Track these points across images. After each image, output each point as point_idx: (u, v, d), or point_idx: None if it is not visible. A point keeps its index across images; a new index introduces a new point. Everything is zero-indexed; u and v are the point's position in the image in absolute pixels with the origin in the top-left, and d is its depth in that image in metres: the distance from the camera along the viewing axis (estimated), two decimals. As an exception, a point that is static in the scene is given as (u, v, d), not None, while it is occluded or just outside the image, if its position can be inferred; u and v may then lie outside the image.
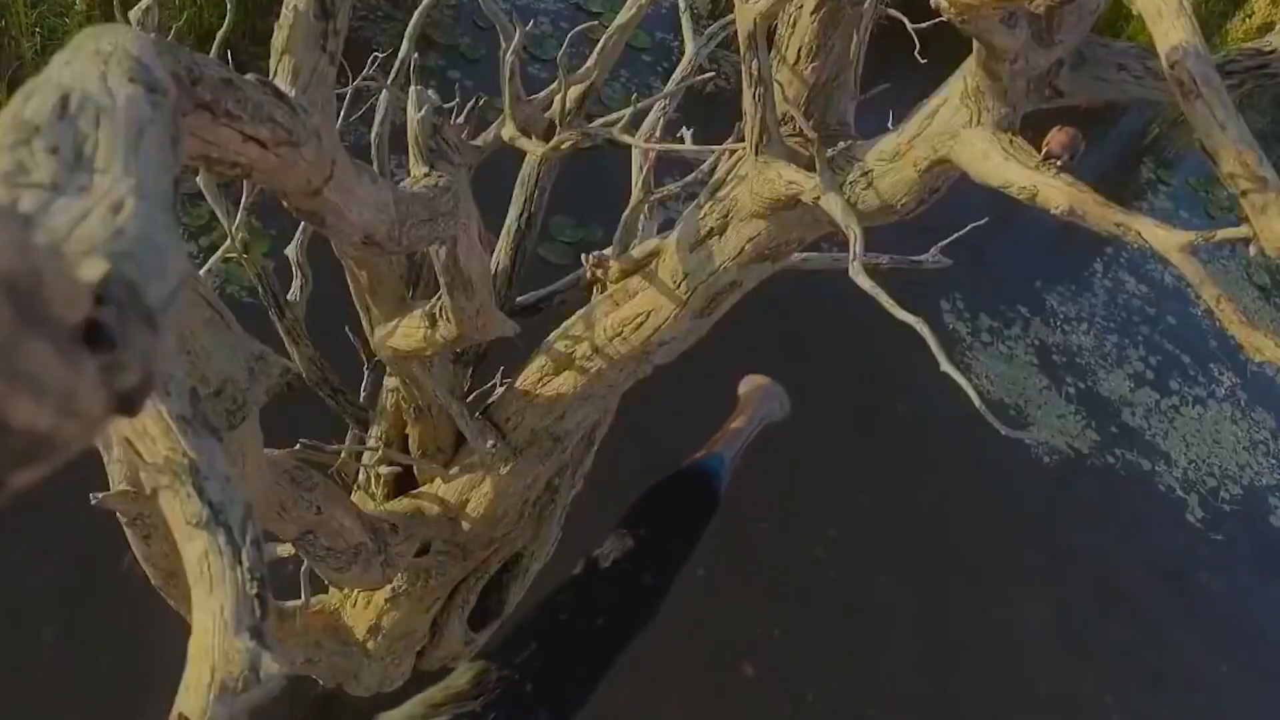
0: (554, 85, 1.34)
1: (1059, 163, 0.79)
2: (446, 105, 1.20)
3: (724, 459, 1.65)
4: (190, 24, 2.82)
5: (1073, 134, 0.78)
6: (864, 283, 0.85)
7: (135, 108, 0.38)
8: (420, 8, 1.37)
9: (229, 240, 1.46)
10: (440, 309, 1.24)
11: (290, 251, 1.57)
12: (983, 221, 1.55)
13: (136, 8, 1.08)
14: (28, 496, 0.27)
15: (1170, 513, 3.15)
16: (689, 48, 1.49)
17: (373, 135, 1.25)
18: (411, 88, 1.04)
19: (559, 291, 1.65)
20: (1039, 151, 0.83)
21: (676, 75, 1.51)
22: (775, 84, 1.08)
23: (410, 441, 1.62)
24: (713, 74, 1.93)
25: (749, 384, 1.72)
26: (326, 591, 1.80)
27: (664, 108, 1.52)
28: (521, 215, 1.60)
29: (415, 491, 1.62)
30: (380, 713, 1.30)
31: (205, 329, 0.89)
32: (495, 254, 1.61)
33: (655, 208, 1.48)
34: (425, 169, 1.02)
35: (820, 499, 2.71)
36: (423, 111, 1.02)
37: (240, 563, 0.56)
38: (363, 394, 1.76)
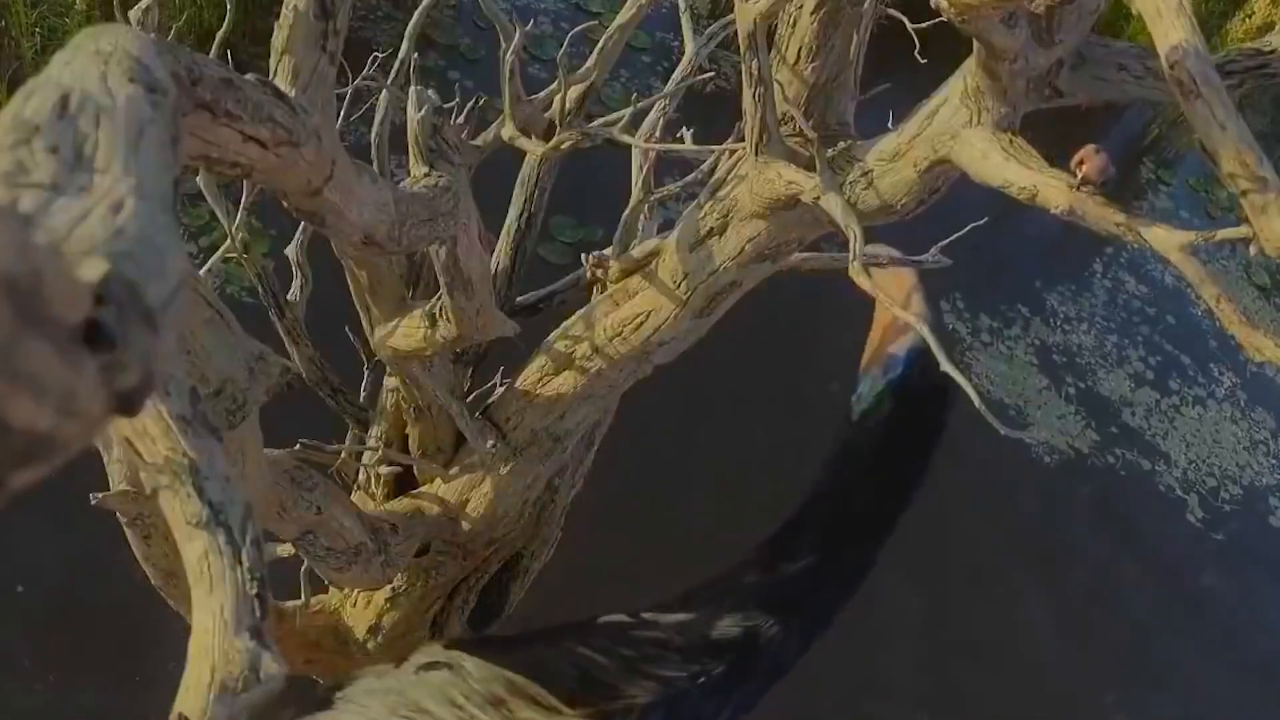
0: (554, 85, 1.34)
1: (1094, 189, 0.78)
2: (446, 105, 1.20)
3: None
4: (190, 24, 2.82)
5: (1107, 159, 0.77)
6: (864, 283, 0.85)
7: (135, 108, 0.38)
8: (420, 8, 1.37)
9: (229, 240, 1.46)
10: (440, 309, 1.24)
11: (290, 251, 1.57)
12: (983, 221, 1.55)
13: (136, 8, 1.08)
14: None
15: (1170, 513, 3.15)
16: (689, 48, 1.49)
17: (373, 135, 1.25)
18: (411, 88, 1.04)
19: (559, 291, 1.65)
20: (1045, 158, 0.83)
21: (676, 75, 1.51)
22: (775, 84, 1.08)
23: (410, 441, 1.62)
24: (713, 74, 1.93)
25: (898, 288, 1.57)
26: (326, 591, 1.80)
27: (664, 108, 1.51)
28: (521, 215, 1.60)
29: (415, 491, 1.62)
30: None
31: (205, 329, 0.89)
32: (495, 254, 1.61)
33: (655, 208, 1.48)
34: (425, 169, 1.02)
35: (820, 499, 2.70)
36: (423, 111, 1.02)
37: (240, 563, 0.56)
38: (363, 394, 1.76)
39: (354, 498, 1.67)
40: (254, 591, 0.55)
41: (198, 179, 1.42)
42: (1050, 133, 1.04)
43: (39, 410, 0.24)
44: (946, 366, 0.82)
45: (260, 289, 1.52)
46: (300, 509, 1.21)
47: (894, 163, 1.00)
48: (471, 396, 1.57)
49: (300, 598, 1.71)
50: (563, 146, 1.26)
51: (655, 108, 1.52)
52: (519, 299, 1.65)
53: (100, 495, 0.99)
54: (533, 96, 1.39)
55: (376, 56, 1.57)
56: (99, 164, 0.33)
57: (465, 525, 1.59)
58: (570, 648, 1.37)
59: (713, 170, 1.35)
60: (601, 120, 1.36)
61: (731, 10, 0.98)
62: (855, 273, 0.85)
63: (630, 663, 1.35)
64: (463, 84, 3.10)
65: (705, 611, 1.42)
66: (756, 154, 1.05)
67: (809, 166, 1.01)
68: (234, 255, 1.50)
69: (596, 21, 3.29)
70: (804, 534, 1.49)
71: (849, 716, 2.44)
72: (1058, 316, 3.56)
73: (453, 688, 1.30)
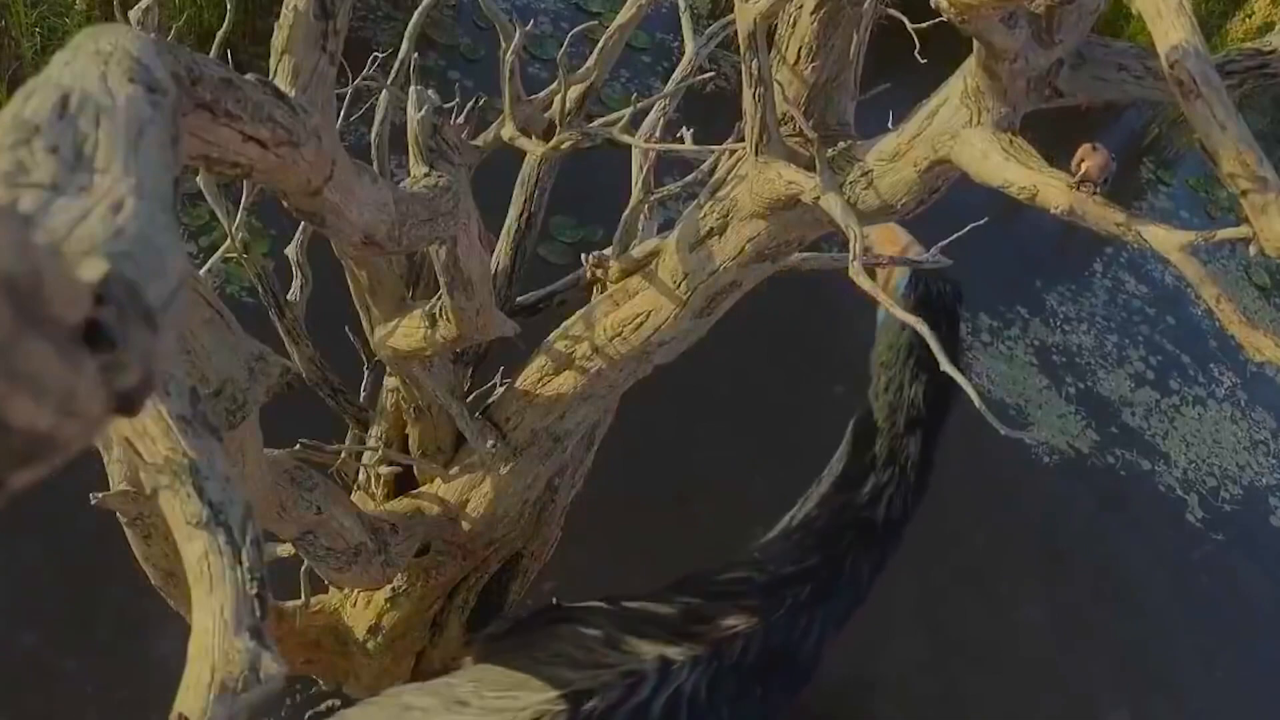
0: (554, 85, 1.34)
1: (1095, 188, 0.77)
2: (446, 105, 1.20)
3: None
4: (190, 24, 2.82)
5: (1107, 156, 0.77)
6: (864, 283, 0.85)
7: (135, 108, 0.38)
8: (420, 8, 1.37)
9: (229, 240, 1.46)
10: (440, 309, 1.24)
11: (290, 251, 1.57)
12: (983, 221, 1.55)
13: (136, 8, 1.08)
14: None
15: (1170, 513, 3.15)
16: (689, 48, 1.49)
17: (373, 135, 1.25)
18: (411, 88, 1.04)
19: (559, 291, 1.65)
20: (1045, 158, 0.83)
21: (676, 75, 1.51)
22: (775, 84, 1.08)
23: (410, 441, 1.62)
24: (713, 74, 1.93)
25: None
26: (326, 591, 1.80)
27: (664, 108, 1.51)
28: (521, 215, 1.60)
29: (415, 491, 1.62)
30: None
31: (205, 329, 0.89)
32: (495, 254, 1.61)
33: (655, 208, 1.48)
34: (425, 169, 1.02)
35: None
36: (423, 111, 1.02)
37: (240, 563, 0.56)
38: (363, 394, 1.76)
39: (354, 498, 1.67)
40: (254, 591, 0.55)
41: (198, 179, 1.42)
42: (1050, 133, 1.04)
43: (39, 410, 0.24)
44: (946, 367, 0.82)
45: (260, 289, 1.52)
46: (300, 509, 1.21)
47: (894, 163, 1.00)
48: (471, 396, 1.57)
49: (300, 598, 1.71)
50: (563, 146, 1.26)
51: (655, 108, 1.52)
52: (519, 299, 1.65)
53: (100, 495, 0.99)
54: (533, 96, 1.39)
55: (376, 56, 1.57)
56: (99, 164, 0.33)
57: (465, 525, 1.59)
58: (669, 596, 1.59)
59: (713, 170, 1.35)
60: (601, 120, 1.36)
61: (731, 10, 0.98)
62: (855, 273, 0.85)
63: (724, 600, 1.56)
64: (463, 84, 3.10)
65: (781, 549, 1.65)
66: (756, 154, 1.05)
67: (809, 166, 1.01)
68: (234, 255, 1.50)
69: (596, 21, 3.29)
70: (862, 459, 1.67)
71: (849, 716, 2.44)
72: (1058, 316, 3.56)
73: (581, 635, 1.51)
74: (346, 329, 1.58)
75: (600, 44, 1.45)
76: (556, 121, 1.29)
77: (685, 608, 1.56)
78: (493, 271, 1.54)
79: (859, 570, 1.64)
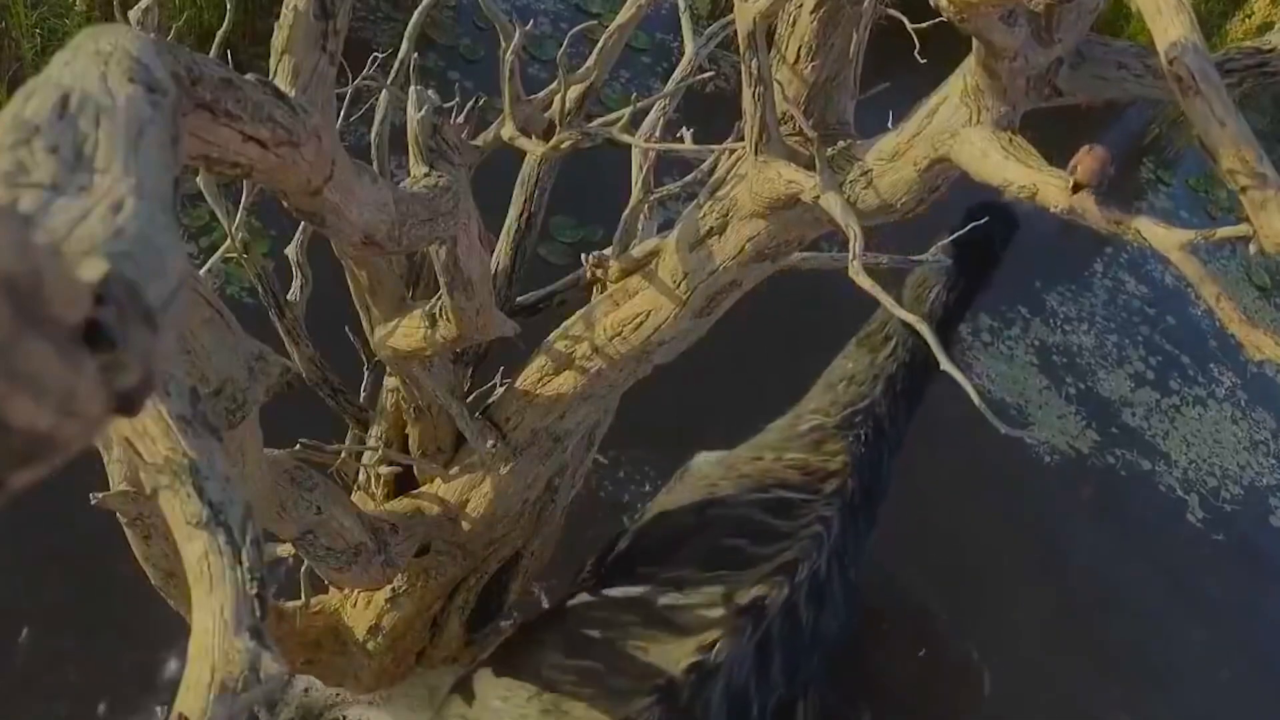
0: (554, 85, 1.34)
1: (1088, 190, 0.76)
2: (446, 105, 1.20)
3: None
4: (190, 24, 2.82)
5: (1106, 156, 0.76)
6: (864, 282, 0.85)
7: (135, 108, 0.38)
8: (420, 8, 1.37)
9: (229, 240, 1.46)
10: (440, 309, 1.24)
11: (290, 251, 1.57)
12: (983, 221, 1.55)
13: (136, 8, 1.08)
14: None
15: (1170, 513, 3.15)
16: (689, 48, 1.49)
17: (373, 135, 1.25)
18: (411, 88, 1.04)
19: (559, 291, 1.65)
20: (1044, 157, 0.83)
21: (676, 75, 1.51)
22: (775, 83, 1.08)
23: (410, 441, 1.62)
24: (713, 74, 1.93)
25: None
26: (326, 592, 1.80)
27: (664, 108, 1.51)
28: (521, 215, 1.60)
29: (415, 491, 1.62)
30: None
31: (205, 329, 0.89)
32: (495, 254, 1.61)
33: (655, 208, 1.48)
34: (425, 169, 1.02)
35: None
36: (423, 111, 1.02)
37: (240, 563, 0.56)
38: (363, 394, 1.76)
39: (354, 498, 1.67)
40: (254, 591, 0.55)
41: (198, 179, 1.42)
42: (1050, 132, 1.04)
43: (39, 410, 0.24)
44: (947, 366, 0.82)
45: (260, 289, 1.52)
46: (300, 509, 1.21)
47: (894, 162, 1.00)
48: (471, 396, 1.57)
49: (300, 598, 1.71)
50: (563, 146, 1.26)
51: (655, 108, 1.51)
52: (519, 299, 1.65)
53: (100, 495, 0.99)
54: (533, 96, 1.39)
55: (376, 56, 1.57)
56: (99, 164, 0.33)
57: (465, 525, 1.59)
58: (778, 461, 1.88)
59: (713, 170, 1.35)
60: (601, 120, 1.35)
61: (731, 10, 0.98)
62: (855, 272, 0.85)
63: (815, 450, 1.86)
64: (463, 84, 3.10)
65: (833, 396, 1.97)
66: (756, 153, 1.05)
67: (809, 166, 1.01)
68: (234, 255, 1.50)
69: (596, 21, 3.28)
70: (889, 347, 1.96)
71: (848, 715, 2.44)
72: (1058, 316, 3.56)
73: (751, 522, 1.76)
74: (346, 329, 1.58)
75: (600, 44, 1.45)
76: (556, 121, 1.29)
77: (801, 465, 1.85)
78: (493, 271, 1.54)
79: (898, 424, 1.94)
